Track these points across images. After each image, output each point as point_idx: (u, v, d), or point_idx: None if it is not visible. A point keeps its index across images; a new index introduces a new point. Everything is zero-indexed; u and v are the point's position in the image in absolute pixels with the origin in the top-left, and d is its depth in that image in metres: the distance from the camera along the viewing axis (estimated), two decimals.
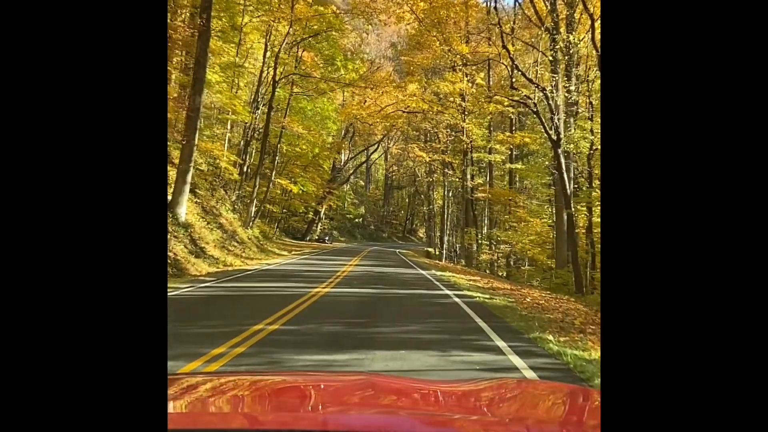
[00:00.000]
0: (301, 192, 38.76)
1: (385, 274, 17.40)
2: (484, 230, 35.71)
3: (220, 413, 1.36)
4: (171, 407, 1.21)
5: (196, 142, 20.25)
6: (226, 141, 30.48)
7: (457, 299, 10.89)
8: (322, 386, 1.73)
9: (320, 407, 1.49)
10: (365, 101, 37.10)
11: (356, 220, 62.17)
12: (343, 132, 49.63)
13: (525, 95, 22.98)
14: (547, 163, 29.87)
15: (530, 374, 4.77)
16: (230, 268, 17.58)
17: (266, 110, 27.80)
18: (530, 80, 22.25)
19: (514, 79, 23.46)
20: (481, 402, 1.67)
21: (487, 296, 12.05)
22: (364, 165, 65.83)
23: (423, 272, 19.34)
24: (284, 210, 43.25)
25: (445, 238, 40.44)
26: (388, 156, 66.36)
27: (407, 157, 55.62)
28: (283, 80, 32.31)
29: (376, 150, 58.32)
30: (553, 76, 23.06)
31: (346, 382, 1.88)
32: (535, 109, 22.27)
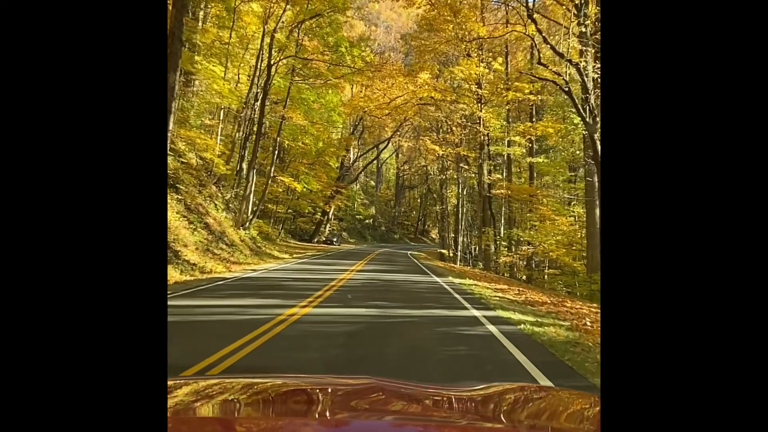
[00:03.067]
0: (305, 191, 35.25)
1: (392, 283, 13.75)
2: (501, 230, 31.88)
3: (223, 419, 1.26)
4: (171, 412, 1.15)
5: (170, 127, 16.82)
6: (219, 132, 26.99)
7: (491, 327, 7.21)
8: (330, 390, 1.61)
9: (328, 413, 1.35)
10: (373, 92, 33.60)
11: (366, 221, 58.48)
12: (351, 128, 46.07)
13: (555, 71, 19.29)
14: (578, 152, 26.03)
15: None
16: (204, 276, 14.04)
17: (261, 97, 24.22)
18: (560, 55, 18.45)
19: (538, 56, 19.73)
20: (496, 408, 1.52)
21: (530, 318, 8.35)
22: (375, 164, 62.19)
23: (438, 279, 15.66)
24: (289, 210, 39.75)
25: (460, 239, 36.68)
26: (399, 154, 62.69)
27: (419, 155, 52.01)
28: (282, 65, 28.82)
29: (386, 146, 54.61)
30: (584, 50, 19.26)
31: (353, 386, 1.72)
32: (566, 88, 18.45)
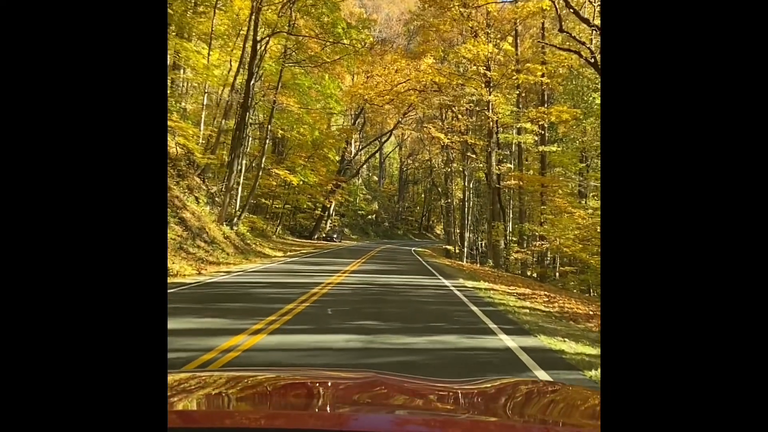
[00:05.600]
0: (302, 184, 32.31)
1: (391, 289, 10.84)
2: (509, 225, 28.88)
3: (223, 411, 1.20)
4: (171, 405, 1.10)
5: None
6: (203, 119, 24.10)
7: (545, 376, 4.29)
8: (331, 384, 1.52)
9: (330, 407, 1.29)
10: (374, 80, 30.71)
11: (369, 216, 55.48)
12: (352, 120, 43.14)
13: (579, 40, 16.34)
14: (597, 140, 22.98)
15: None
16: None
17: (247, 78, 21.29)
18: (585, 20, 15.52)
19: (559, 24, 16.73)
20: (497, 403, 1.45)
21: (592, 350, 5.45)
22: (377, 158, 59.23)
23: (446, 282, 12.73)
24: (287, 205, 36.87)
25: (466, 235, 33.72)
26: (403, 147, 59.70)
27: (423, 147, 49.07)
28: (275, 48, 25.91)
29: (388, 138, 51.56)
30: None
31: (355, 380, 1.63)
32: (591, 59, 15.53)
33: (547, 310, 8.84)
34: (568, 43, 21.01)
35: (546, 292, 12.15)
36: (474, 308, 8.27)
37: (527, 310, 8.44)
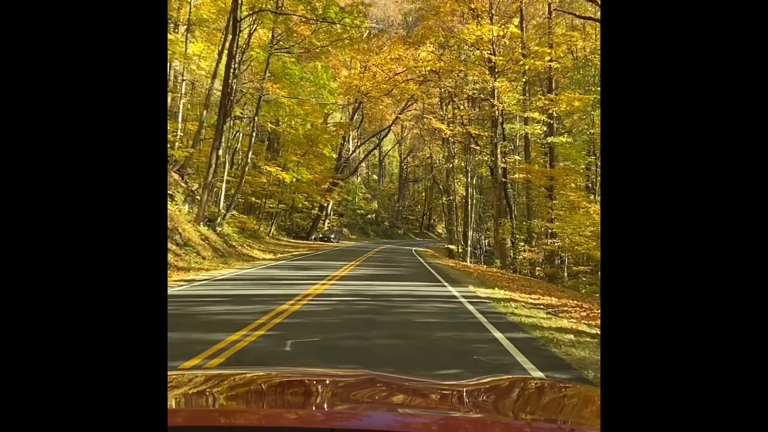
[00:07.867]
0: (296, 181, 29.86)
1: (385, 303, 8.34)
2: (515, 222, 26.39)
3: (223, 410, 1.19)
4: (172, 403, 1.10)
5: None
6: (180, 108, 21.62)
7: None
8: (328, 382, 1.52)
9: (326, 405, 1.28)
10: (369, 68, 28.33)
11: (369, 216, 52.97)
12: (350, 115, 40.67)
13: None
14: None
15: None
16: None
17: (227, 61, 18.80)
18: None
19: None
20: (499, 401, 1.41)
21: None
22: (376, 157, 56.73)
23: (454, 291, 10.24)
24: (281, 204, 34.40)
25: (469, 234, 31.20)
26: (402, 144, 57.21)
27: (423, 144, 46.65)
28: (264, 35, 23.47)
29: (387, 133, 49.01)
30: None
31: (353, 378, 1.56)
32: None
33: (595, 332, 6.36)
34: (589, 10, 18.52)
35: (577, 302, 9.66)
36: (498, 335, 5.78)
37: (571, 336, 5.96)
